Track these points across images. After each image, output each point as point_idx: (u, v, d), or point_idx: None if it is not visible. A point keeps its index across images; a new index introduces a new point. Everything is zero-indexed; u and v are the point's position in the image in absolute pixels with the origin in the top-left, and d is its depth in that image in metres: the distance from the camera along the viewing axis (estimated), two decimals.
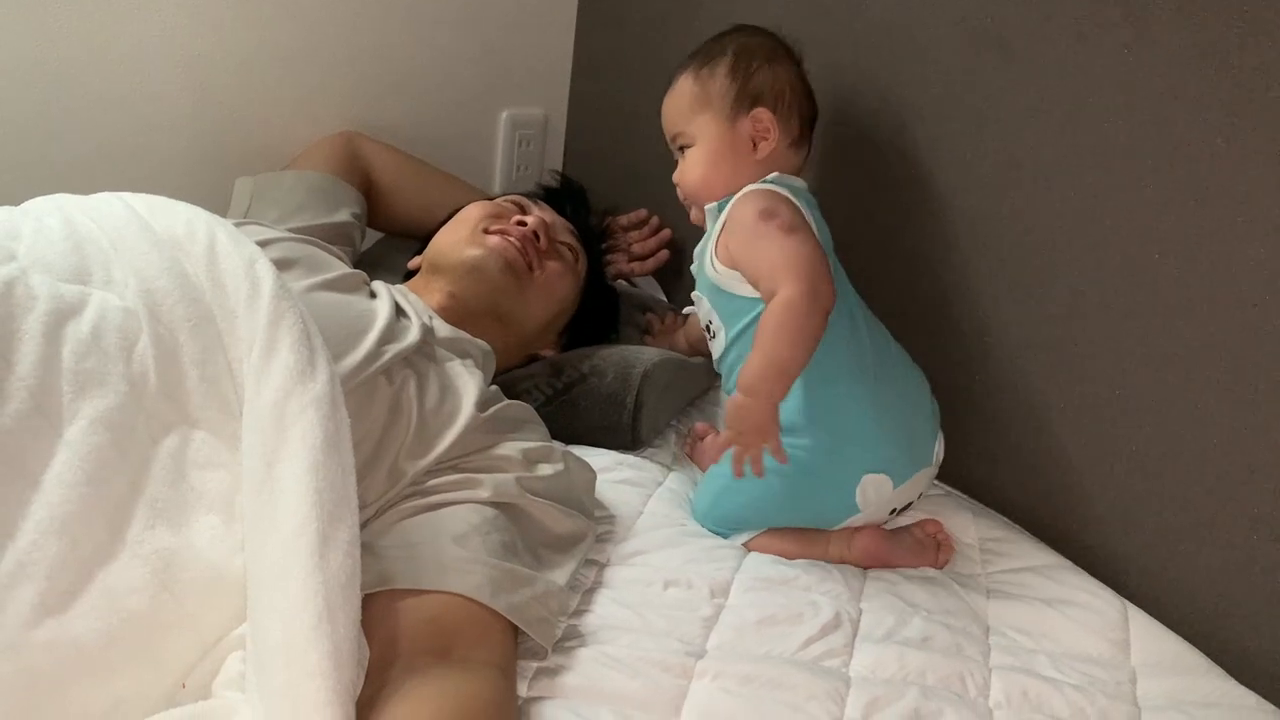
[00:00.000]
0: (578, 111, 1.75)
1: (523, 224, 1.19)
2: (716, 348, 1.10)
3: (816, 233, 1.03)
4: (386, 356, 0.94)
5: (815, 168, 1.31)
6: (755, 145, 1.08)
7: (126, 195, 0.94)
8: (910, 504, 1.06)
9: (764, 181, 1.06)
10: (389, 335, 0.97)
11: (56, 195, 0.94)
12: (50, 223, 0.86)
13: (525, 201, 1.27)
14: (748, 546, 1.04)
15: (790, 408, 0.99)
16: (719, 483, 1.06)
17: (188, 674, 0.70)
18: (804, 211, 1.04)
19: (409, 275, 1.25)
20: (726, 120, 1.08)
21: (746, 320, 1.05)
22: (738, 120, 1.08)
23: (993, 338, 1.13)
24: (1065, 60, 1.01)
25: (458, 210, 1.26)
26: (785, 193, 1.04)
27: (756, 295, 1.01)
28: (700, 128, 1.09)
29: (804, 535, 1.05)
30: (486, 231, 1.18)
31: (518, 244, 1.16)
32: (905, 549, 1.05)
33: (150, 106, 1.37)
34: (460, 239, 1.18)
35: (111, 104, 1.34)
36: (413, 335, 0.99)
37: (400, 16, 1.53)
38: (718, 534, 1.05)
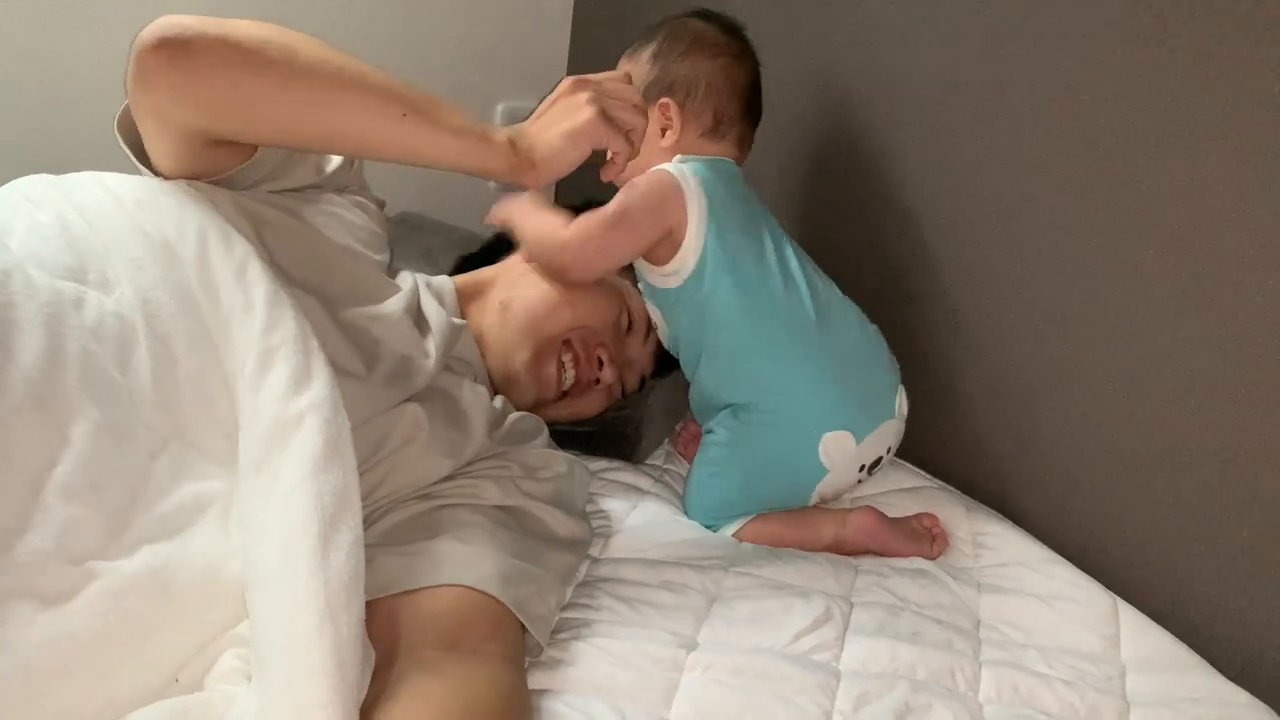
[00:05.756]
0: None
1: (612, 360, 1.11)
2: (664, 336, 1.12)
3: (707, 203, 1.02)
4: (393, 393, 0.91)
5: (794, 157, 1.30)
6: (663, 134, 1.09)
7: (109, 179, 0.90)
8: (880, 459, 1.07)
9: (668, 165, 1.05)
10: (400, 370, 0.93)
11: (39, 176, 0.90)
12: (42, 218, 0.84)
13: (641, 323, 1.15)
14: (739, 537, 1.05)
15: (736, 387, 1.03)
16: (700, 474, 1.08)
17: (181, 670, 0.70)
18: (696, 184, 1.03)
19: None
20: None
21: (667, 302, 1.06)
22: (649, 109, 1.09)
23: (982, 333, 1.13)
24: (1054, 53, 1.01)
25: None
26: (676, 174, 1.04)
27: (666, 284, 1.04)
28: None
29: (794, 519, 1.05)
30: (565, 344, 1.09)
31: (578, 383, 1.10)
32: (901, 533, 1.06)
33: None
34: (534, 325, 1.08)
35: (109, 86, 1.34)
36: (425, 373, 0.95)
37: (397, 9, 1.52)
38: (709, 527, 1.06)
